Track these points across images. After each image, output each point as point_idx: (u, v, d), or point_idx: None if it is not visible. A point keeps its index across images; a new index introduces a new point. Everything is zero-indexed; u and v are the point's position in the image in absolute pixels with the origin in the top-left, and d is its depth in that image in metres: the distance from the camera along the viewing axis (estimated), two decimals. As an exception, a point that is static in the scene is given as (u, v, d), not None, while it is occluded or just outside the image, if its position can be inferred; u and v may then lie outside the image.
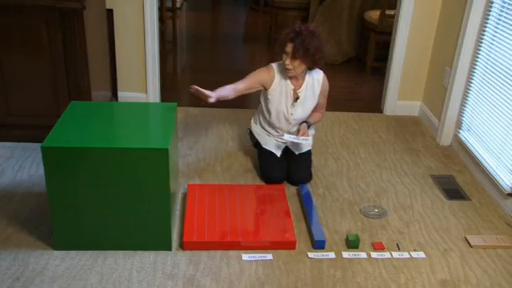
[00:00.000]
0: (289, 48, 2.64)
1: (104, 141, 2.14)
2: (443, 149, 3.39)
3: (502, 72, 2.85)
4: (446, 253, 2.39)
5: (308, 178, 2.87)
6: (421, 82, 3.81)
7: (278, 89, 2.78)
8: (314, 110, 2.89)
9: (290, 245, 2.34)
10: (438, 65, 3.59)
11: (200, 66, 4.94)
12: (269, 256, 2.29)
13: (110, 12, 3.43)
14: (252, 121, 3.04)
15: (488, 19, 3.03)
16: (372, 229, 2.53)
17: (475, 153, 3.05)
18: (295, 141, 2.79)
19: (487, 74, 3.03)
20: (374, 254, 2.34)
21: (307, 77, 2.80)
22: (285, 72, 2.74)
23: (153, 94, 3.71)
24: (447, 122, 3.38)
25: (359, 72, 4.92)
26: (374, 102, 4.08)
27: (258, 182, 2.87)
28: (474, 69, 3.17)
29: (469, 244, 2.44)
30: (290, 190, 2.80)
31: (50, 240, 2.28)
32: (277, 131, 2.89)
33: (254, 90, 2.81)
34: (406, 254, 2.35)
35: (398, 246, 2.40)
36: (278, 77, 2.78)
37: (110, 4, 3.42)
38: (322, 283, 2.15)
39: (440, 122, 3.46)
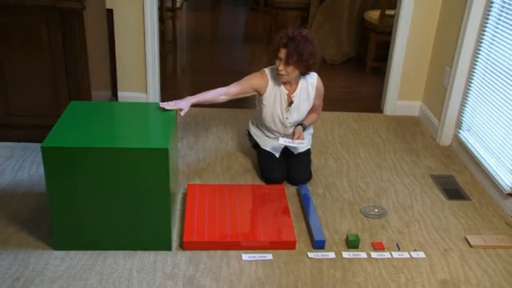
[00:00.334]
0: (282, 54, 2.61)
1: (104, 141, 2.14)
2: (443, 149, 3.39)
3: (502, 72, 2.85)
4: (446, 253, 2.39)
5: (308, 177, 2.87)
6: (421, 82, 3.81)
7: (273, 94, 2.77)
8: (310, 111, 2.89)
9: (289, 245, 2.34)
10: (438, 65, 3.59)
11: (200, 66, 4.94)
12: (269, 256, 2.29)
13: (110, 12, 3.43)
14: (250, 122, 3.05)
15: (488, 19, 3.03)
16: (372, 229, 2.53)
17: (475, 153, 3.05)
18: (290, 145, 2.79)
19: (487, 74, 3.03)
20: (373, 254, 2.34)
21: (301, 81, 2.78)
22: (278, 77, 2.73)
23: (153, 94, 3.71)
24: (447, 122, 3.38)
25: (359, 72, 4.92)
26: (373, 102, 4.08)
27: (258, 182, 2.87)
28: (474, 69, 3.17)
29: (469, 244, 2.45)
30: (290, 190, 2.80)
31: (50, 240, 2.28)
32: (273, 134, 2.89)
33: (246, 95, 2.79)
34: (405, 254, 2.35)
35: (397, 246, 2.40)
36: (271, 82, 2.76)
37: (110, 4, 3.42)
38: (322, 283, 2.15)
39: (440, 122, 3.46)
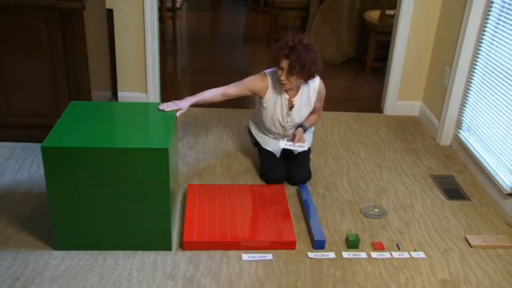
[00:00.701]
0: (284, 64, 2.58)
1: (104, 141, 2.14)
2: (443, 149, 3.39)
3: (502, 72, 2.85)
4: (446, 253, 2.39)
5: (307, 176, 2.87)
6: (421, 82, 3.81)
7: (273, 98, 2.76)
8: (311, 112, 2.88)
9: (289, 245, 2.34)
10: (438, 65, 3.59)
11: (200, 66, 4.94)
12: (269, 256, 2.29)
13: (110, 12, 3.43)
14: (250, 120, 3.04)
15: (488, 19, 3.03)
16: (372, 229, 2.53)
17: (475, 153, 3.05)
18: (291, 148, 2.78)
19: (487, 74, 3.02)
20: (373, 254, 2.34)
21: (303, 85, 2.77)
22: (280, 85, 2.70)
23: (153, 94, 3.71)
24: (447, 121, 3.38)
25: (359, 72, 4.91)
26: (373, 102, 4.08)
27: (258, 181, 2.87)
28: (474, 69, 3.17)
29: (469, 244, 2.44)
30: (290, 190, 2.79)
31: (50, 240, 2.28)
32: (273, 135, 2.89)
33: (244, 96, 2.79)
34: (406, 254, 2.35)
35: (397, 246, 2.40)
36: (272, 87, 2.75)
37: (110, 4, 3.42)
38: (322, 283, 2.15)
39: (440, 122, 3.46)
